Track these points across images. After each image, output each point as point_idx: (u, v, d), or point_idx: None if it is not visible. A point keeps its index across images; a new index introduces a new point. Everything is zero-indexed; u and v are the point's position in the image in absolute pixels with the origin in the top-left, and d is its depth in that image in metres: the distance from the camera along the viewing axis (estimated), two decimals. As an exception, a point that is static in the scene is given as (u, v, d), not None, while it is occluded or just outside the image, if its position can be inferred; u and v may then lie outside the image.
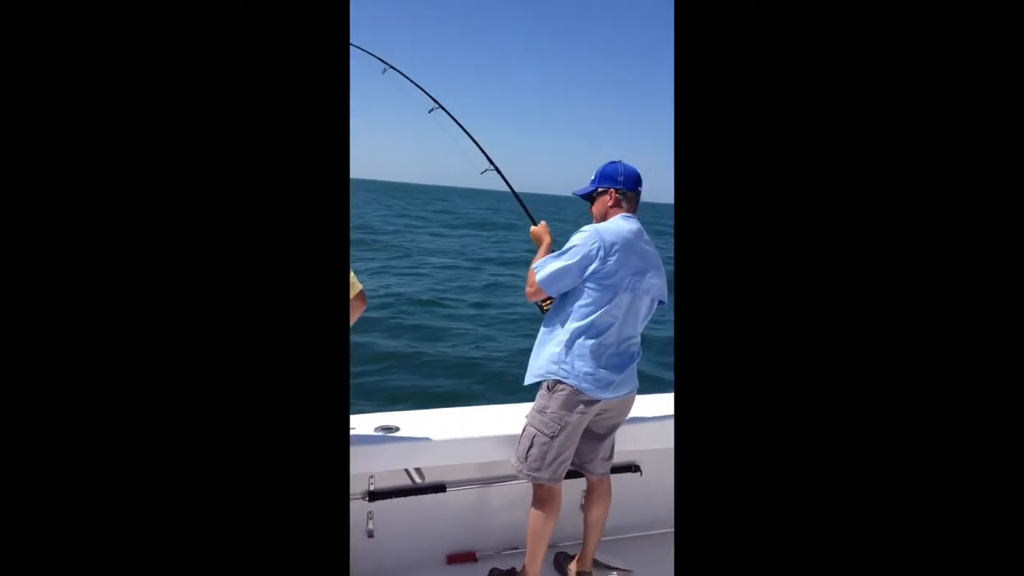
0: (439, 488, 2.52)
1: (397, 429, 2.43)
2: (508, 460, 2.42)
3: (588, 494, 2.49)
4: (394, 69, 2.79)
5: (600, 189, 2.36)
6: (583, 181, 2.43)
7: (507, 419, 2.58)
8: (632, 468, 2.71)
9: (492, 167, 2.77)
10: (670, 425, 2.41)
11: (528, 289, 2.29)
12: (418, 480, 2.50)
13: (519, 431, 2.38)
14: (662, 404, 2.70)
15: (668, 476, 2.44)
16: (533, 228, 2.48)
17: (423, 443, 2.38)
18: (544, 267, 2.23)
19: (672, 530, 1.01)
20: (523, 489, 2.44)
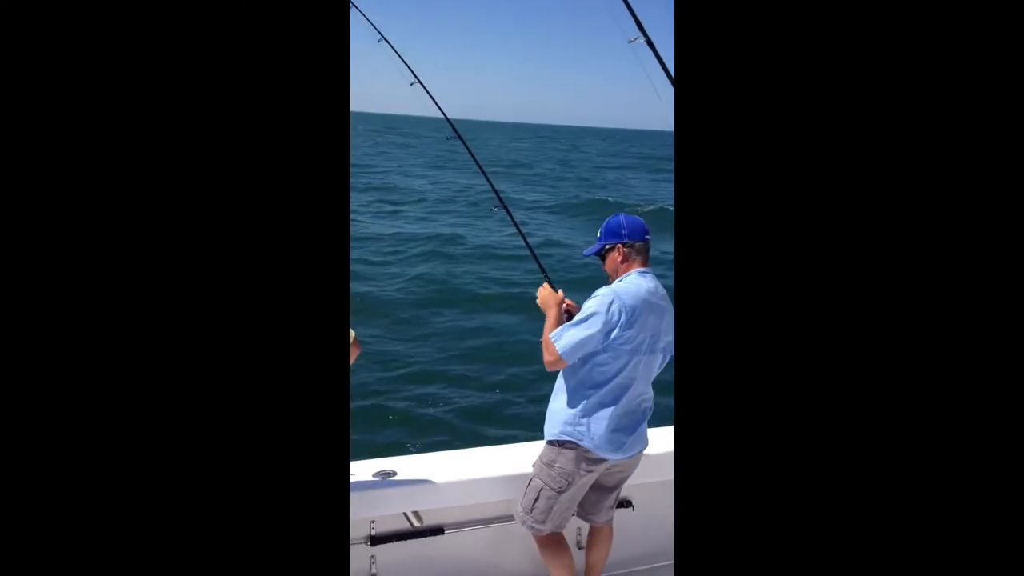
0: (438, 531, 2.58)
1: (395, 474, 2.51)
2: (505, 500, 2.45)
3: (591, 536, 2.52)
4: (387, 42, 2.83)
5: (607, 246, 2.33)
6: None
7: (502, 459, 2.64)
8: (625, 504, 2.73)
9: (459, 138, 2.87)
10: (660, 459, 2.45)
11: (547, 358, 2.23)
12: (416, 523, 2.56)
13: (515, 470, 2.41)
14: (651, 436, 2.76)
15: (661, 509, 2.50)
16: (542, 293, 2.42)
17: (422, 486, 2.46)
18: (564, 337, 2.19)
19: (671, 562, 1.02)
20: (523, 529, 2.46)
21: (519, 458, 2.59)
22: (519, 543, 2.59)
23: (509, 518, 2.53)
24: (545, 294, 2.41)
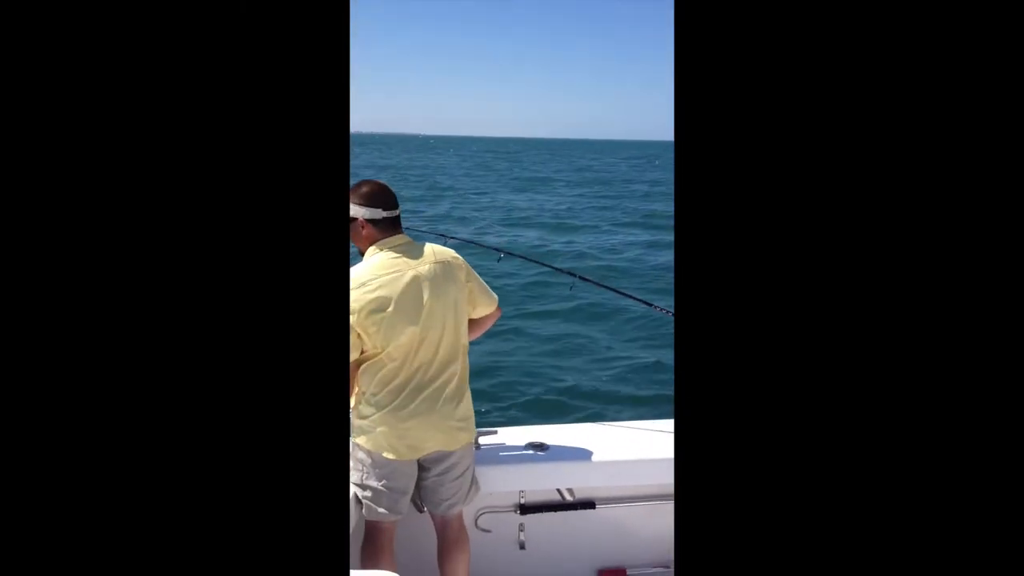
0: (588, 504, 2.55)
1: (547, 447, 2.47)
2: (659, 482, 2.44)
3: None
4: (511, 254, 2.99)
5: None
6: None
7: (655, 437, 2.58)
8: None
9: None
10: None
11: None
12: (568, 497, 2.55)
13: (670, 452, 2.35)
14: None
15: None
16: None
17: (573, 464, 2.42)
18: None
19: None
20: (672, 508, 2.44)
21: (670, 436, 2.53)
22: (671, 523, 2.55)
23: (662, 496, 2.52)
24: None
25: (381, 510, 2.08)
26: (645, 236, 16.84)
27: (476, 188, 31.38)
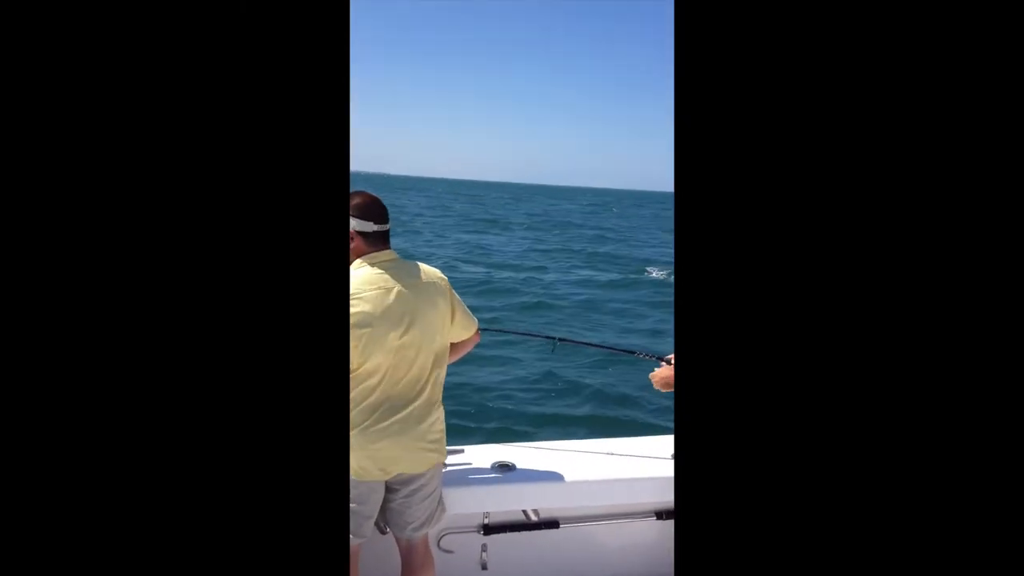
0: (552, 524, 2.52)
1: (513, 467, 2.45)
2: (629, 502, 2.43)
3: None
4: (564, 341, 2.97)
5: None
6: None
7: (625, 456, 2.56)
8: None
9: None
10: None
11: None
12: (533, 517, 2.52)
13: (641, 472, 2.39)
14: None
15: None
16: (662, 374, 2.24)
17: (538, 484, 2.39)
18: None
19: None
20: (641, 527, 2.45)
21: (643, 454, 2.53)
22: (639, 539, 2.54)
23: (627, 515, 2.52)
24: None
25: None
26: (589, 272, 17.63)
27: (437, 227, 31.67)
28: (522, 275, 16.88)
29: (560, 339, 2.86)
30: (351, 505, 2.01)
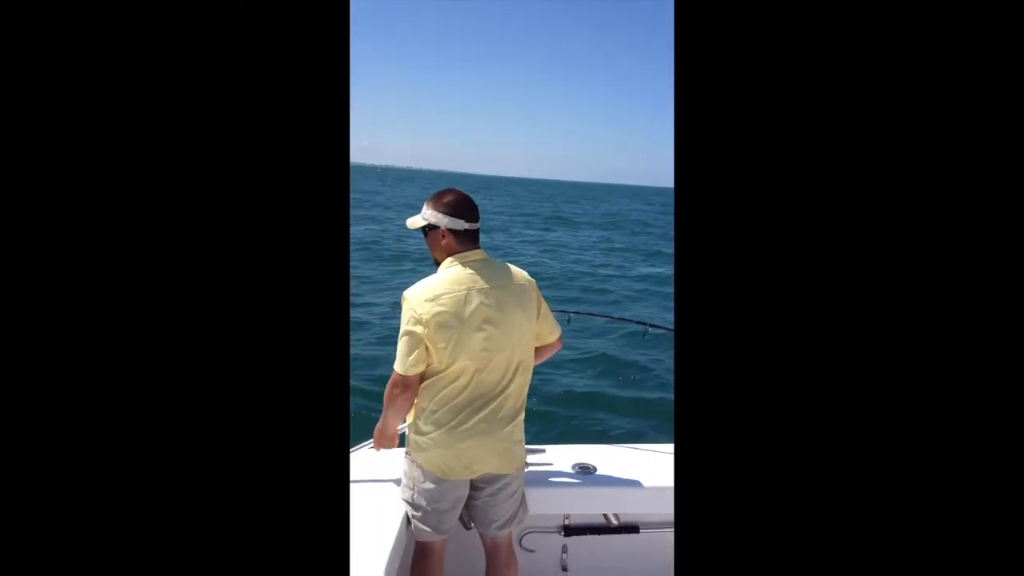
0: (632, 529, 2.53)
1: (594, 469, 2.46)
2: None
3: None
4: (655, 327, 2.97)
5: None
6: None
7: None
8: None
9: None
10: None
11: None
12: (613, 521, 2.53)
13: None
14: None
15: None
16: None
17: (619, 488, 2.40)
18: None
19: None
20: None
21: None
22: None
23: None
24: None
25: (428, 529, 2.07)
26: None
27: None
28: (589, 270, 16.82)
29: (652, 325, 2.86)
30: (432, 503, 2.04)
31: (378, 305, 10.24)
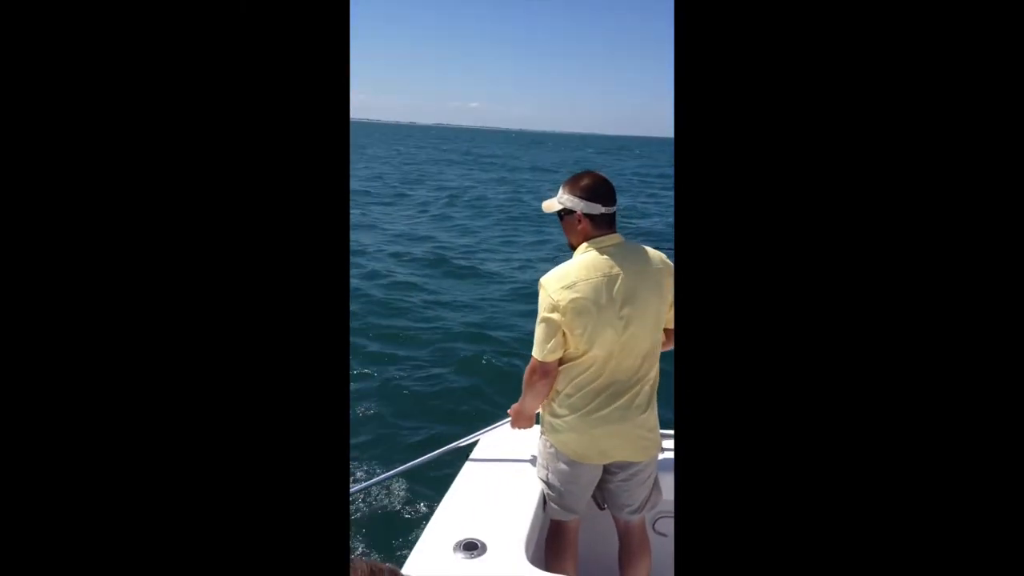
0: None
1: None
2: None
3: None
4: None
5: None
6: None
7: None
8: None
9: None
10: None
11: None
12: None
13: None
14: None
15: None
16: None
17: None
18: None
19: None
20: None
21: None
22: None
23: None
24: None
25: (561, 509, 2.10)
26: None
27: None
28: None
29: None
30: (566, 484, 2.06)
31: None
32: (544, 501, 2.14)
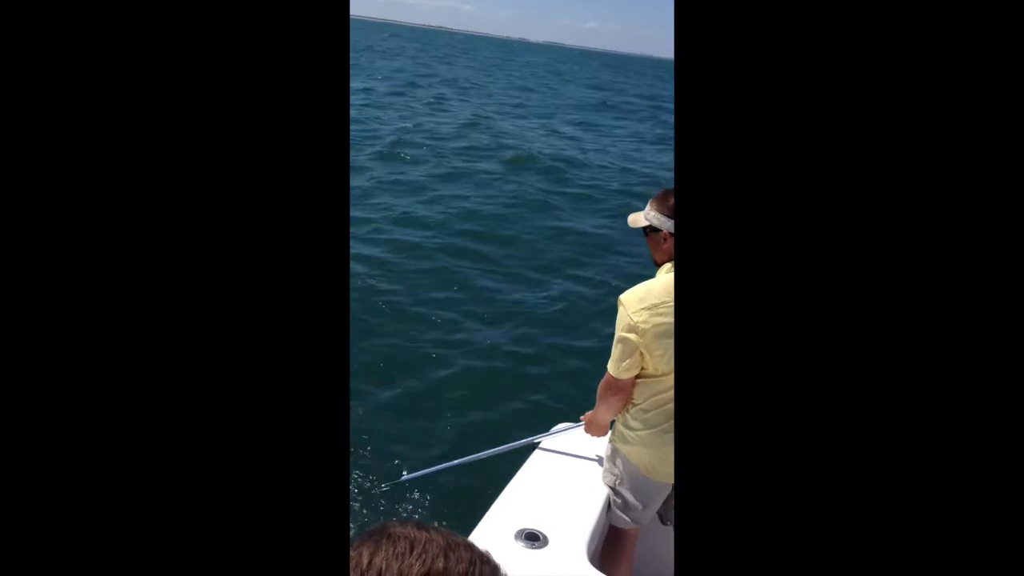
0: None
1: None
2: None
3: None
4: None
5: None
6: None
7: None
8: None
9: None
10: None
11: None
12: None
13: None
14: None
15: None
16: None
17: None
18: None
19: None
20: None
21: None
22: None
23: None
24: None
25: (625, 518, 2.14)
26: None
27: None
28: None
29: None
30: (634, 496, 2.10)
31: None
32: (608, 505, 2.18)
